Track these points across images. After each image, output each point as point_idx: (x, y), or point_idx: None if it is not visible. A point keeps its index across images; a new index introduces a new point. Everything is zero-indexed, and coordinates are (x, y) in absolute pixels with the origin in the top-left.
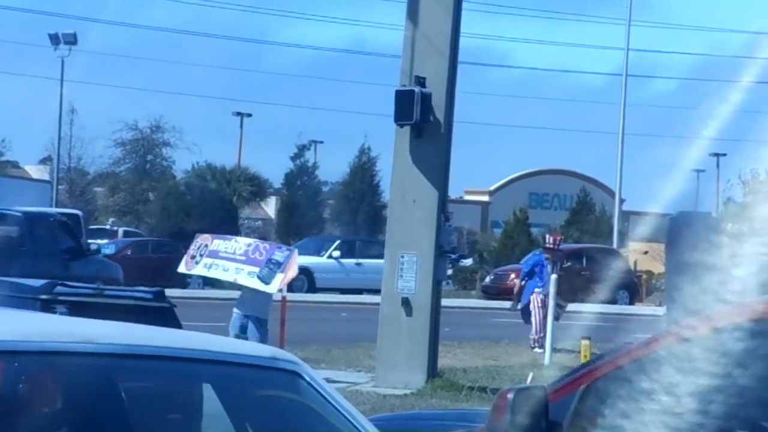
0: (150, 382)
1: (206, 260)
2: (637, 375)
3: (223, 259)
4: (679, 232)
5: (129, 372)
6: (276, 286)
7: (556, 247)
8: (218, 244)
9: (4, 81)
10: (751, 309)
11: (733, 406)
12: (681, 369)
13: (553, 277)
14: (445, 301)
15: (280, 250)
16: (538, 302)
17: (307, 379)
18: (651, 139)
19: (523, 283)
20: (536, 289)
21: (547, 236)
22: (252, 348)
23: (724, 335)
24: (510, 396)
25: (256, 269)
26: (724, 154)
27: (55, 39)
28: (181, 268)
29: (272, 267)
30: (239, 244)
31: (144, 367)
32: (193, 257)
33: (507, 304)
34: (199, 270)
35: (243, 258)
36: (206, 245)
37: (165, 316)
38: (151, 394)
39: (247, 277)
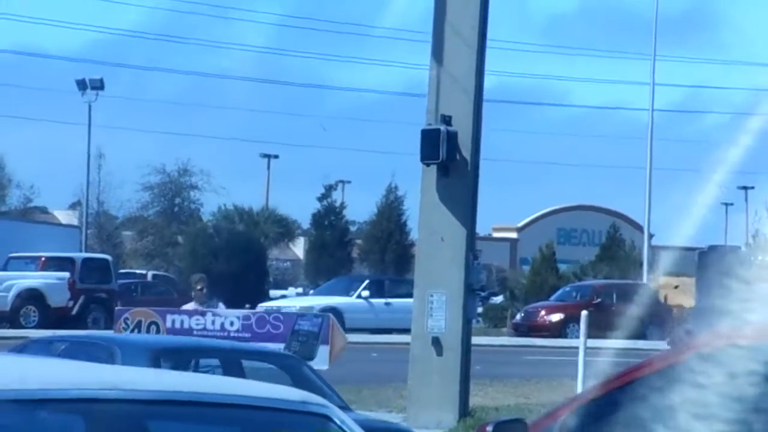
0: (181, 428)
1: None
2: (611, 407)
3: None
4: (708, 266)
5: (159, 418)
6: (326, 359)
7: None
8: (180, 320)
9: (32, 127)
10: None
11: None
12: (658, 400)
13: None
14: (475, 339)
15: (305, 319)
16: None
17: (338, 422)
18: (686, 173)
19: None
20: None
21: None
22: (282, 392)
23: (708, 362)
24: (489, 429)
25: (279, 345)
26: (752, 187)
27: (82, 84)
28: None
29: (305, 339)
30: (226, 317)
31: (174, 412)
32: None
33: (538, 341)
34: None
35: (247, 335)
36: (153, 323)
37: None
38: None
39: None
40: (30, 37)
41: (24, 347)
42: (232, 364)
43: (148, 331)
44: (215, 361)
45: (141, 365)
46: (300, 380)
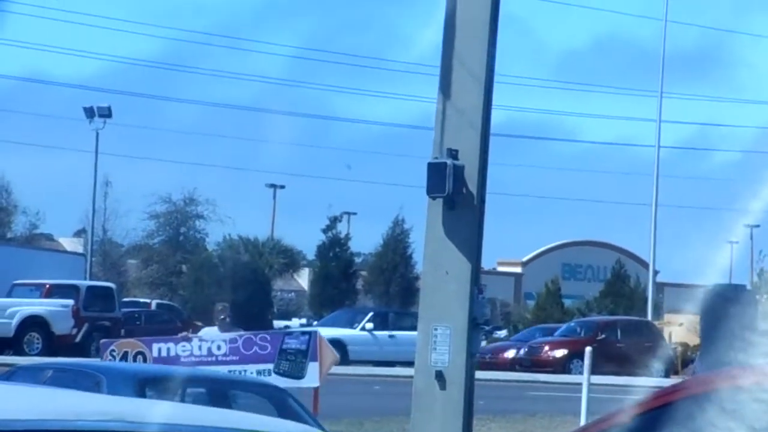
0: None
1: None
2: None
3: (196, 365)
4: (713, 303)
5: None
6: (316, 377)
7: None
8: (167, 348)
9: (39, 154)
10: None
11: None
12: None
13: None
14: (479, 374)
15: (293, 337)
16: None
17: None
18: (693, 211)
19: None
20: None
21: None
22: (289, 427)
23: (714, 403)
24: None
25: (268, 365)
26: (758, 226)
27: (89, 112)
28: None
29: (294, 357)
30: (212, 341)
31: None
32: None
33: (542, 377)
34: None
35: (235, 358)
36: (139, 353)
37: None
38: None
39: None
40: (39, 64)
41: (11, 374)
42: (218, 393)
43: (134, 362)
44: (201, 390)
45: (126, 394)
46: (285, 412)
